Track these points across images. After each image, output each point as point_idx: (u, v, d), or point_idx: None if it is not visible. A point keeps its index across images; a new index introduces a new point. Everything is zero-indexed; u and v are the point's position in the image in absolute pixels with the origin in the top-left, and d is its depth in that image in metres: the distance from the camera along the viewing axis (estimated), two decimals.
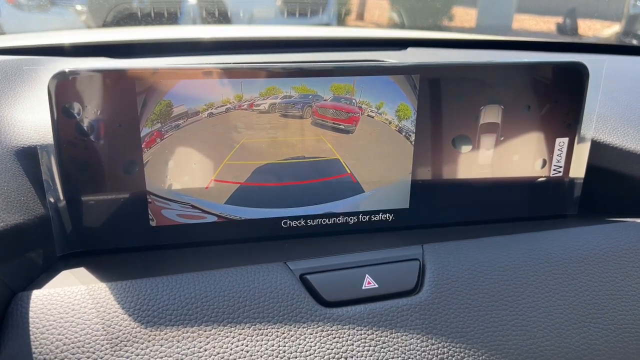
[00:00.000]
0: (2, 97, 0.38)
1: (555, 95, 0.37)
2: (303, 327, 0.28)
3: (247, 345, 0.27)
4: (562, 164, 0.39)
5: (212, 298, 0.28)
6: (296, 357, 0.28)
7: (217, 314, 0.28)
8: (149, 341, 0.27)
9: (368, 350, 0.28)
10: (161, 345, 0.27)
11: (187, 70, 0.31)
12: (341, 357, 0.28)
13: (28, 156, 0.33)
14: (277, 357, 0.27)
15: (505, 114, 0.36)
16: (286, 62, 0.33)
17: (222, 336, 0.27)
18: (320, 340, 0.28)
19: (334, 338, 0.28)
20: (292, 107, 0.33)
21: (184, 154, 0.33)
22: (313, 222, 0.36)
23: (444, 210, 0.38)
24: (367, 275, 0.31)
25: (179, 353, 0.27)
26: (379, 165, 0.36)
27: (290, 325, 0.28)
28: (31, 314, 0.26)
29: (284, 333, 0.28)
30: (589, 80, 0.37)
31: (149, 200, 0.33)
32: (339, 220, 0.36)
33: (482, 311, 0.31)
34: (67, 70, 0.29)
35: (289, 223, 0.35)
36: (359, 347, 0.28)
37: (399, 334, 0.29)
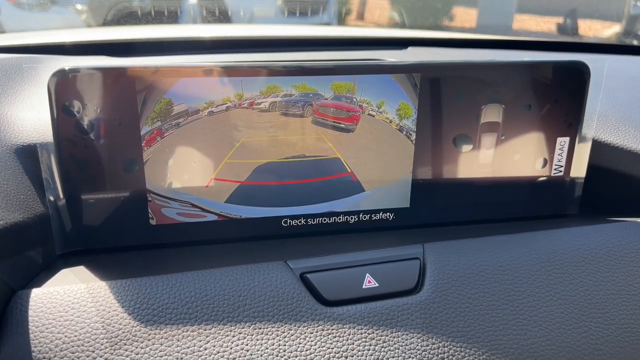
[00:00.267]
0: (2, 95, 0.38)
1: (556, 95, 0.37)
2: (303, 326, 0.28)
3: (247, 344, 0.27)
4: (563, 163, 0.38)
5: (212, 297, 0.28)
6: (296, 356, 0.27)
7: (217, 313, 0.28)
8: (148, 340, 0.27)
9: (368, 350, 0.28)
10: (161, 344, 0.27)
11: (187, 68, 0.31)
12: (341, 356, 0.28)
13: (28, 154, 0.33)
14: (277, 356, 0.27)
15: (506, 113, 0.36)
16: (287, 61, 0.33)
17: (222, 335, 0.27)
18: (321, 339, 0.28)
19: (334, 337, 0.28)
20: (292, 106, 0.33)
21: (184, 152, 0.32)
22: (313, 221, 0.36)
23: (445, 209, 0.38)
24: (367, 274, 0.31)
25: (178, 352, 0.27)
26: (380, 164, 0.36)
27: (291, 324, 0.28)
28: (31, 312, 0.26)
29: (284, 332, 0.28)
30: (590, 80, 0.37)
31: (149, 198, 0.33)
32: (340, 219, 0.36)
33: (482, 310, 0.31)
34: (67, 68, 0.29)
35: (289, 222, 0.35)
36: (359, 346, 0.28)
37: (399, 333, 0.29)
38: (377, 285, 0.31)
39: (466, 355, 0.29)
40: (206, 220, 0.34)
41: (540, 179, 0.39)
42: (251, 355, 0.27)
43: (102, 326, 0.26)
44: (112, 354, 0.26)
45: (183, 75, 0.31)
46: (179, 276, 0.29)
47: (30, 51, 0.51)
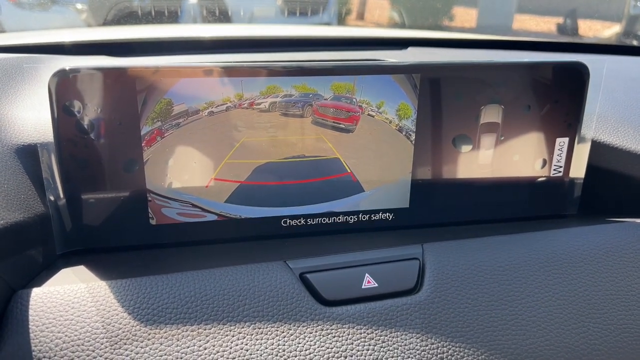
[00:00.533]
0: (3, 95, 0.38)
1: (555, 95, 0.37)
2: (303, 326, 0.28)
3: (246, 344, 0.27)
4: (562, 163, 0.39)
5: (212, 297, 0.28)
6: (296, 356, 0.28)
7: (216, 313, 0.28)
8: (148, 339, 0.27)
9: (367, 350, 0.28)
10: (161, 344, 0.27)
11: (187, 68, 0.31)
12: (341, 356, 0.28)
13: (28, 154, 0.33)
14: (276, 355, 0.27)
15: (505, 113, 0.36)
16: (287, 61, 0.33)
17: (222, 335, 0.27)
18: (320, 339, 0.28)
19: (334, 337, 0.28)
20: (292, 106, 0.33)
21: (184, 152, 0.32)
22: (313, 221, 0.36)
23: (444, 209, 0.38)
24: (366, 274, 0.31)
25: (178, 351, 0.27)
26: (379, 164, 0.36)
27: (290, 324, 0.28)
28: (31, 311, 0.26)
29: (283, 332, 0.28)
30: (589, 80, 0.37)
31: (149, 198, 0.33)
32: (339, 219, 0.36)
33: (482, 311, 0.31)
34: (67, 68, 0.29)
35: (289, 222, 0.35)
36: (358, 346, 0.28)
37: (398, 333, 0.29)
38: (376, 285, 0.31)
39: (465, 355, 0.29)
40: (206, 220, 0.34)
41: (540, 179, 0.39)
42: (251, 355, 0.27)
43: (102, 326, 0.26)
44: (112, 353, 0.26)
45: (183, 76, 0.31)
46: (179, 276, 0.29)
47: (30, 51, 0.51)
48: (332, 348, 0.28)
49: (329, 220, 0.36)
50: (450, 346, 0.29)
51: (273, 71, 0.32)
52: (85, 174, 0.31)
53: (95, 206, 0.32)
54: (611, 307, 0.33)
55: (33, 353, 0.25)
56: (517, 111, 0.37)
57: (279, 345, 0.28)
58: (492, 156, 0.37)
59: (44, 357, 0.25)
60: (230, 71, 0.32)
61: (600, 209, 0.41)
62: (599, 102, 0.39)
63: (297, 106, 0.33)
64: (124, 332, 0.26)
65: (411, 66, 0.34)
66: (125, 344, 0.26)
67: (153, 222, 0.33)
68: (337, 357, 0.28)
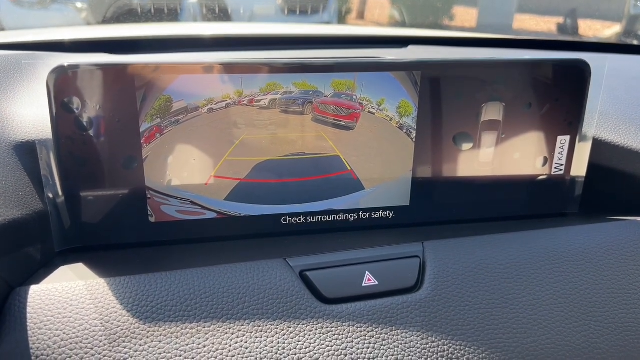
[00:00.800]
0: (1, 92, 0.38)
1: (556, 93, 0.37)
2: (302, 324, 0.28)
3: (246, 342, 0.27)
4: (563, 162, 0.38)
5: (212, 294, 0.28)
6: (295, 354, 0.27)
7: (216, 311, 0.28)
8: (147, 337, 0.26)
9: (368, 348, 0.28)
10: (160, 342, 0.26)
11: (186, 65, 0.31)
12: (341, 354, 0.28)
13: (27, 151, 0.33)
14: (276, 353, 0.27)
15: (506, 111, 0.36)
16: (287, 58, 0.33)
17: (221, 333, 0.27)
18: (320, 337, 0.28)
19: (334, 335, 0.28)
20: (292, 103, 0.33)
21: (184, 149, 0.32)
22: (313, 219, 0.36)
23: (445, 207, 0.38)
24: (367, 272, 0.31)
25: (177, 349, 0.26)
26: (380, 162, 0.35)
27: (290, 322, 0.28)
28: (29, 309, 0.26)
29: (283, 330, 0.28)
30: (590, 78, 0.37)
31: (148, 196, 0.33)
32: (339, 217, 0.36)
33: (482, 309, 0.31)
34: (66, 64, 0.29)
35: (289, 220, 0.35)
36: (358, 344, 0.28)
37: (399, 331, 0.29)
38: (376, 283, 0.31)
39: (465, 353, 0.29)
40: (205, 218, 0.34)
41: (541, 177, 0.39)
42: (250, 352, 0.27)
43: (101, 323, 0.26)
44: (110, 351, 0.26)
45: (182, 72, 0.31)
46: (178, 274, 0.29)
47: (29, 48, 0.51)
48: (332, 346, 0.28)
49: (329, 218, 0.36)
50: (451, 344, 0.29)
51: (273, 68, 0.32)
52: (84, 171, 0.31)
53: (94, 203, 0.32)
54: (612, 305, 0.33)
55: (31, 351, 0.25)
56: (518, 109, 0.36)
57: (278, 343, 0.28)
58: (493, 154, 0.37)
59: (42, 354, 0.25)
60: (229, 68, 0.32)
61: (602, 207, 0.41)
62: (601, 100, 0.39)
63: (297, 103, 0.33)
64: (122, 329, 0.26)
65: (412, 63, 0.34)
66: (124, 341, 0.26)
67: (152, 219, 0.33)
68: (337, 355, 0.28)
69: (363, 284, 0.31)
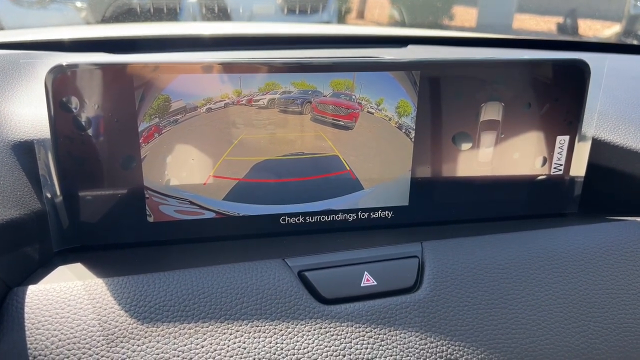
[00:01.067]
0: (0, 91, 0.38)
1: (556, 93, 0.36)
2: (301, 324, 0.28)
3: (244, 342, 0.27)
4: (562, 162, 0.38)
5: (210, 294, 0.28)
6: (294, 354, 0.27)
7: (214, 311, 0.28)
8: (145, 337, 0.26)
9: (366, 348, 0.28)
10: (157, 342, 0.26)
11: (185, 65, 0.31)
12: (339, 355, 0.28)
13: (25, 151, 0.33)
14: (274, 354, 0.27)
15: (505, 111, 0.36)
16: (286, 58, 0.33)
17: (220, 333, 0.27)
18: (318, 337, 0.28)
19: (332, 335, 0.28)
20: (291, 103, 0.33)
21: (182, 149, 0.32)
22: (312, 219, 0.36)
23: (444, 207, 0.38)
24: (365, 272, 0.31)
25: (175, 349, 0.26)
26: (379, 162, 0.35)
27: (288, 322, 0.28)
28: (27, 309, 0.26)
29: (281, 330, 0.28)
30: (590, 78, 0.36)
31: (147, 195, 0.33)
32: (338, 217, 0.36)
33: (481, 309, 0.31)
34: (64, 64, 0.29)
35: (288, 220, 0.35)
36: (357, 344, 0.28)
37: (397, 331, 0.29)
38: (375, 283, 0.31)
39: (464, 353, 0.29)
40: (204, 218, 0.34)
41: (540, 177, 0.39)
42: (248, 353, 0.27)
43: (99, 323, 0.26)
44: (108, 351, 0.26)
45: (181, 72, 0.31)
46: (176, 274, 0.29)
47: (28, 48, 0.51)
48: (330, 346, 0.28)
49: (328, 218, 0.36)
50: (449, 345, 0.29)
51: (272, 67, 0.32)
52: (82, 170, 0.31)
53: (92, 203, 0.32)
54: (611, 305, 0.33)
55: (29, 351, 0.25)
56: (518, 109, 0.36)
57: (277, 343, 0.27)
58: (492, 154, 0.37)
59: (40, 354, 0.25)
60: (228, 67, 0.31)
61: (601, 207, 0.41)
62: (600, 100, 0.39)
63: (296, 103, 0.33)
64: (120, 330, 0.26)
65: (411, 63, 0.34)
66: (121, 342, 0.26)
67: (150, 219, 0.33)
68: (336, 356, 0.28)
69: (362, 284, 0.31)
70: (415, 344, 0.29)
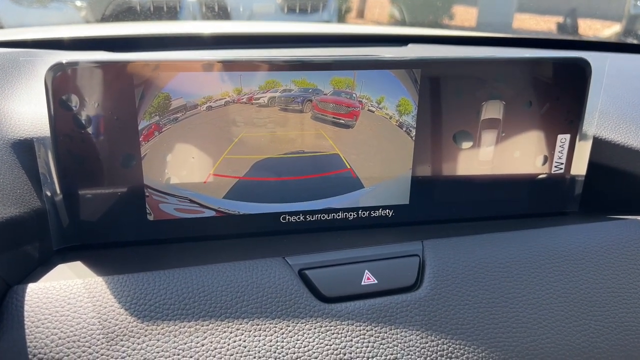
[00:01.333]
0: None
1: (557, 92, 0.36)
2: (301, 323, 0.28)
3: (244, 341, 0.27)
4: (563, 160, 0.38)
5: (210, 293, 0.28)
6: (294, 353, 0.27)
7: (214, 309, 0.28)
8: (145, 336, 0.26)
9: (367, 346, 0.28)
10: (158, 340, 0.26)
11: (185, 62, 0.31)
12: (340, 353, 0.28)
13: (25, 149, 0.33)
14: (275, 352, 0.27)
15: (506, 110, 0.36)
16: (286, 56, 0.33)
17: (220, 331, 0.27)
18: (319, 336, 0.28)
19: (333, 334, 0.28)
20: (291, 101, 0.33)
21: (182, 147, 0.32)
22: (312, 218, 0.35)
23: (444, 206, 0.38)
24: (366, 271, 0.31)
25: (175, 348, 0.26)
26: (379, 160, 0.35)
27: (289, 321, 0.28)
28: (27, 307, 0.26)
29: (282, 328, 0.28)
30: (591, 77, 0.36)
31: (147, 194, 0.33)
32: (339, 215, 0.36)
33: (482, 308, 0.31)
34: (64, 61, 0.29)
35: (288, 218, 0.35)
36: (357, 343, 0.28)
37: (398, 330, 0.29)
38: (376, 282, 0.31)
39: (465, 352, 0.29)
40: (204, 216, 0.34)
41: (541, 176, 0.38)
42: (249, 351, 0.27)
43: (99, 322, 0.26)
44: (108, 349, 0.26)
45: (181, 70, 0.31)
46: (176, 272, 0.29)
47: (28, 46, 0.51)
48: (331, 345, 0.28)
49: (328, 216, 0.36)
50: (450, 343, 0.29)
51: (272, 65, 0.32)
52: (82, 169, 0.31)
53: (92, 201, 0.32)
54: (612, 304, 0.33)
55: (28, 349, 0.25)
56: (519, 107, 0.36)
57: (277, 342, 0.27)
58: (493, 153, 0.37)
59: (40, 353, 0.25)
60: (228, 65, 0.31)
61: (602, 206, 0.41)
62: (601, 99, 0.39)
63: (297, 101, 0.33)
64: (120, 328, 0.26)
65: (412, 61, 0.34)
66: (121, 340, 0.26)
67: (150, 217, 0.33)
68: (336, 354, 0.28)
69: (362, 283, 0.30)
70: (416, 342, 0.29)
